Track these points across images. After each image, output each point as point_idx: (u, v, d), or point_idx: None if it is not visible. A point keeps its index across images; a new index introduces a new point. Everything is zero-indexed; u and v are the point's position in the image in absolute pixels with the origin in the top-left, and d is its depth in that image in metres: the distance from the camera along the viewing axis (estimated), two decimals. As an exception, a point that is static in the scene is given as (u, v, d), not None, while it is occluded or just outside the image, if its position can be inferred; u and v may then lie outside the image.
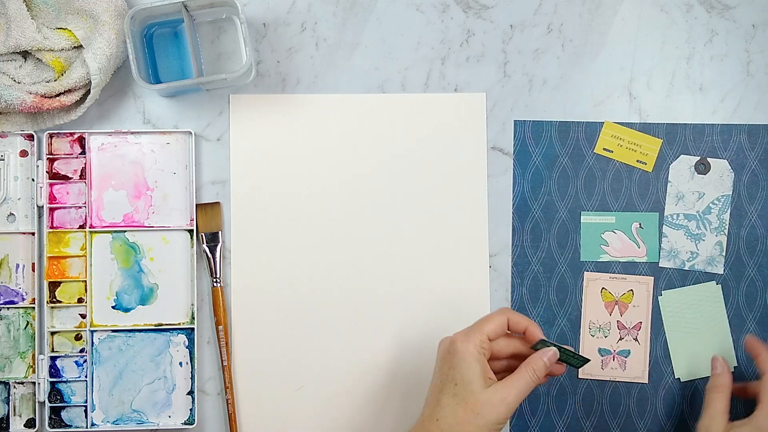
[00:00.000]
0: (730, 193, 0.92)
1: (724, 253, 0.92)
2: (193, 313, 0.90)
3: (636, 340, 0.92)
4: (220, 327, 0.90)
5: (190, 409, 0.90)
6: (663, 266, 0.92)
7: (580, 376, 0.91)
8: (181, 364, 0.90)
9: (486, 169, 0.93)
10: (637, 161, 0.92)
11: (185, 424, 0.90)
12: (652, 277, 0.92)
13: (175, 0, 0.86)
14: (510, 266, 0.92)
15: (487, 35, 0.94)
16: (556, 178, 0.92)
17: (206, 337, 0.91)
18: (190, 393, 0.90)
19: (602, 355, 0.92)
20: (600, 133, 0.92)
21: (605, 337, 0.92)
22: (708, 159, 0.91)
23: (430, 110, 0.93)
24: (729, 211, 0.92)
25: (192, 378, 0.90)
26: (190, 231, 0.91)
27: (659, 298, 0.92)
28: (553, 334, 0.92)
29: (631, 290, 0.92)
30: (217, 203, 0.92)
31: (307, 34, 0.93)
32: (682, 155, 0.92)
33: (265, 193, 0.92)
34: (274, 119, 0.92)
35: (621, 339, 0.92)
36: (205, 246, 0.91)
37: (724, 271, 0.92)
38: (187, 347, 0.90)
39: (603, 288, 0.92)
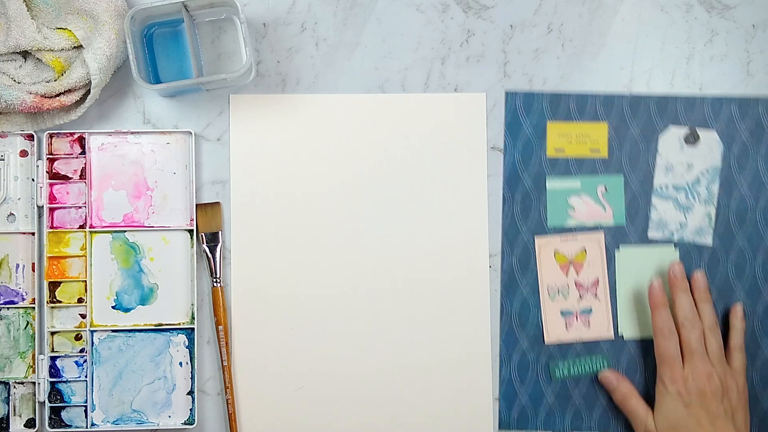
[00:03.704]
0: (720, 165, 0.92)
1: (713, 224, 0.92)
2: (193, 313, 0.90)
3: (596, 297, 0.92)
4: (220, 327, 0.90)
5: (190, 409, 0.90)
6: (652, 237, 0.92)
7: (546, 342, 0.92)
8: (181, 364, 0.90)
9: (486, 169, 0.93)
10: (590, 150, 0.92)
11: (185, 424, 0.90)
12: (602, 232, 0.92)
13: (175, 0, 0.86)
14: (500, 237, 0.92)
15: (487, 35, 0.94)
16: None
17: (206, 337, 0.91)
18: (190, 393, 0.90)
19: (565, 317, 0.92)
20: (546, 136, 0.92)
21: (565, 299, 0.92)
22: (697, 130, 0.91)
23: (430, 110, 0.93)
24: (718, 182, 0.92)
25: (192, 378, 0.90)
26: (190, 231, 0.91)
27: (616, 252, 0.92)
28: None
29: (584, 248, 0.92)
30: (217, 203, 0.92)
31: (307, 34, 0.93)
32: (671, 126, 0.92)
33: (265, 193, 0.92)
34: (274, 119, 0.92)
35: (581, 298, 0.92)
36: (205, 246, 0.91)
37: (713, 242, 0.92)
38: (187, 347, 0.90)
39: (555, 250, 0.92)
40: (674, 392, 0.86)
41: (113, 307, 0.90)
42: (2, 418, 0.89)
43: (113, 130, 0.91)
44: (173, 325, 0.90)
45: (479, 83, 0.93)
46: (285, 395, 0.91)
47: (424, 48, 0.93)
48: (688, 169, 0.92)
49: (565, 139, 0.91)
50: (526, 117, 0.92)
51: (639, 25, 0.94)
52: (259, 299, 0.91)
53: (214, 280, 0.90)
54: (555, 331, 0.91)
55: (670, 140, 0.92)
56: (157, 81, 0.90)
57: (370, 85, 0.93)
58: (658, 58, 0.94)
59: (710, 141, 0.92)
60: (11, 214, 0.90)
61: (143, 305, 0.90)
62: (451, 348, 0.91)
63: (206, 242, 0.91)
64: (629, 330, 0.92)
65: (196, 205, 0.91)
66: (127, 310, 0.90)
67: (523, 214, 0.92)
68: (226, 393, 0.90)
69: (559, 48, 0.94)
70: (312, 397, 0.91)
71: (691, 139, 0.89)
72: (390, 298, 0.91)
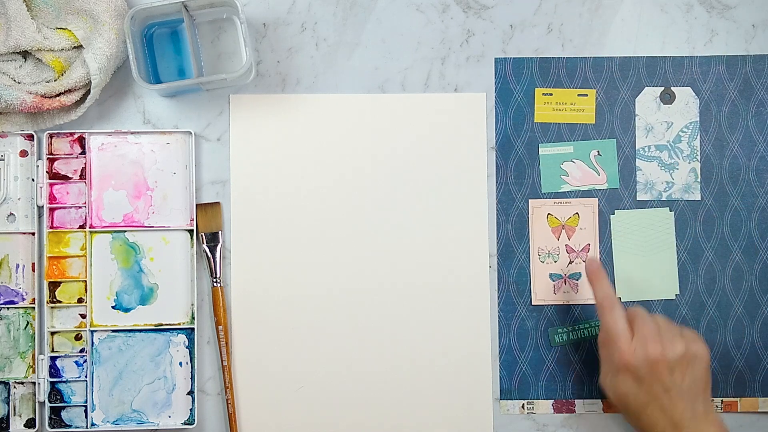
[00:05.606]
0: (698, 119, 0.92)
1: (699, 180, 0.92)
2: (193, 313, 0.90)
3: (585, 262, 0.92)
4: (220, 327, 0.90)
5: (190, 409, 0.90)
6: (641, 199, 0.92)
7: (533, 303, 0.92)
8: (181, 364, 0.90)
9: (486, 169, 0.93)
10: (578, 115, 0.92)
11: (185, 424, 0.90)
12: (596, 198, 0.92)
13: (175, 0, 0.86)
14: (495, 204, 0.92)
15: (487, 35, 0.94)
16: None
17: (206, 337, 0.91)
18: (190, 393, 0.90)
19: (553, 280, 0.92)
20: (535, 102, 0.92)
21: (555, 262, 0.92)
22: (672, 88, 0.92)
23: (430, 110, 0.93)
24: (698, 137, 0.92)
25: (192, 378, 0.90)
26: (190, 231, 0.91)
27: (611, 217, 0.92)
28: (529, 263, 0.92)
29: (577, 213, 0.92)
30: (217, 203, 0.92)
31: (307, 34, 0.93)
32: (646, 88, 0.92)
33: (265, 193, 0.92)
34: (274, 119, 0.92)
35: (571, 263, 0.92)
36: (205, 246, 0.91)
37: (702, 197, 0.92)
38: (187, 347, 0.90)
39: (549, 214, 0.92)
40: (622, 366, 0.82)
41: (113, 307, 0.90)
42: (2, 418, 0.89)
43: (113, 130, 0.91)
44: (173, 325, 0.90)
45: (479, 83, 0.93)
46: (285, 395, 0.91)
47: (424, 48, 0.93)
48: (668, 127, 0.92)
49: (552, 106, 0.91)
50: (516, 84, 0.92)
51: (639, 25, 0.94)
52: (259, 299, 0.91)
53: (214, 280, 0.90)
54: (542, 294, 0.92)
55: (647, 101, 0.92)
56: (157, 81, 0.90)
57: (370, 85, 0.93)
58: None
59: (686, 97, 0.92)
60: (11, 214, 0.90)
61: (143, 305, 0.90)
62: (451, 350, 0.91)
63: (206, 242, 0.91)
64: (627, 294, 0.92)
65: (196, 205, 0.91)
66: (127, 310, 0.90)
67: (517, 181, 0.92)
68: (226, 393, 0.90)
69: (559, 48, 0.94)
70: (312, 397, 0.91)
71: (667, 97, 0.89)
72: (390, 297, 0.91)
